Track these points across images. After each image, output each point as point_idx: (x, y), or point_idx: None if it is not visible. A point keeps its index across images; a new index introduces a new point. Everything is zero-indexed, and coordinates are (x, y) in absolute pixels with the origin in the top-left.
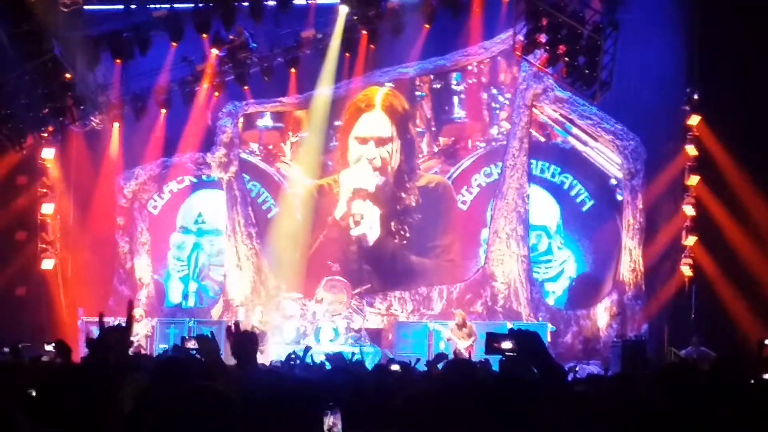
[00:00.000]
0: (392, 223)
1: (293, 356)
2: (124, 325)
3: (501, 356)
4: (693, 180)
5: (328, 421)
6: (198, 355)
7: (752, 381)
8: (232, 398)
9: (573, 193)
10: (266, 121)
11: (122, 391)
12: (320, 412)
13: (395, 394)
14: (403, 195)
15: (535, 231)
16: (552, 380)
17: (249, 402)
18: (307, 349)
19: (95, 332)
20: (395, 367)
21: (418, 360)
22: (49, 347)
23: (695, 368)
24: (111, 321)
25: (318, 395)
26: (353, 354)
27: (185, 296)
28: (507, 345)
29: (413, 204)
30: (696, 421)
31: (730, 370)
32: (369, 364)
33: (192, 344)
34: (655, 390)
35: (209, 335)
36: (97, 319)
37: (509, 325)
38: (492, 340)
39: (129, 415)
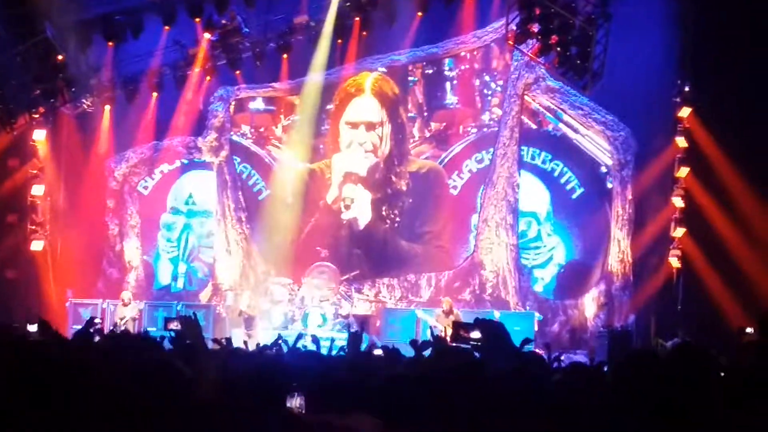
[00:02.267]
0: (383, 208)
1: (280, 340)
2: (190, 316)
3: (467, 345)
4: (683, 172)
5: (293, 402)
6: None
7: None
8: (195, 380)
9: (563, 180)
10: (258, 104)
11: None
12: (284, 393)
13: (371, 378)
14: (394, 179)
15: (525, 217)
16: (527, 370)
17: (219, 382)
18: (300, 336)
19: (84, 314)
20: (378, 352)
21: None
22: (32, 327)
23: (658, 354)
24: (99, 303)
25: (283, 377)
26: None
27: (174, 277)
28: (475, 335)
29: (404, 189)
30: (660, 407)
31: (693, 354)
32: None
33: (174, 325)
34: (619, 377)
35: (192, 316)
36: (86, 301)
37: (496, 314)
38: (458, 330)
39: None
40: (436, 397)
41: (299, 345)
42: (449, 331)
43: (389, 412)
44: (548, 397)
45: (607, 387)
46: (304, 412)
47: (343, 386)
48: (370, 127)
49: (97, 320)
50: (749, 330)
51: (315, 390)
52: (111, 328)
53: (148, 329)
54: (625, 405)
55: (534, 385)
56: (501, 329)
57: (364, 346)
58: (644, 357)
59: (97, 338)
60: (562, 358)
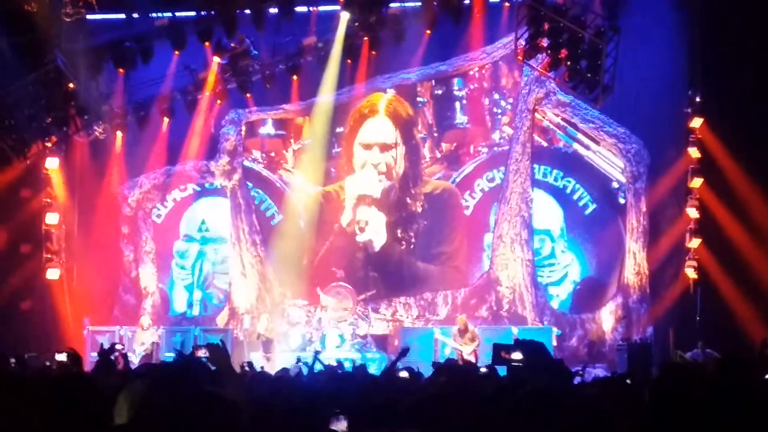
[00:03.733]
0: (398, 230)
1: (301, 362)
2: (221, 345)
3: (507, 366)
4: (696, 182)
5: (338, 426)
6: (208, 363)
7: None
8: (239, 405)
9: (575, 197)
10: (268, 129)
11: (120, 398)
12: (327, 418)
13: (403, 399)
14: (409, 201)
15: (539, 235)
16: (558, 382)
17: (258, 409)
18: (317, 353)
19: (102, 342)
20: (404, 374)
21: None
22: (60, 356)
23: (697, 369)
24: (116, 330)
25: (325, 402)
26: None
27: (190, 305)
28: (516, 356)
29: (419, 210)
30: (699, 422)
31: (734, 370)
32: (376, 371)
33: (203, 353)
34: (657, 391)
35: (219, 343)
36: (103, 328)
37: (514, 330)
38: (500, 351)
39: (129, 421)
40: (472, 415)
41: (318, 364)
42: (466, 350)
43: (431, 429)
44: (583, 411)
45: (640, 400)
46: None
47: (383, 407)
48: (384, 148)
49: (118, 346)
50: None
51: (357, 412)
52: (129, 353)
53: (166, 354)
54: (665, 419)
55: (567, 398)
56: (541, 348)
57: (382, 367)
58: (685, 370)
59: (120, 364)
60: (582, 373)
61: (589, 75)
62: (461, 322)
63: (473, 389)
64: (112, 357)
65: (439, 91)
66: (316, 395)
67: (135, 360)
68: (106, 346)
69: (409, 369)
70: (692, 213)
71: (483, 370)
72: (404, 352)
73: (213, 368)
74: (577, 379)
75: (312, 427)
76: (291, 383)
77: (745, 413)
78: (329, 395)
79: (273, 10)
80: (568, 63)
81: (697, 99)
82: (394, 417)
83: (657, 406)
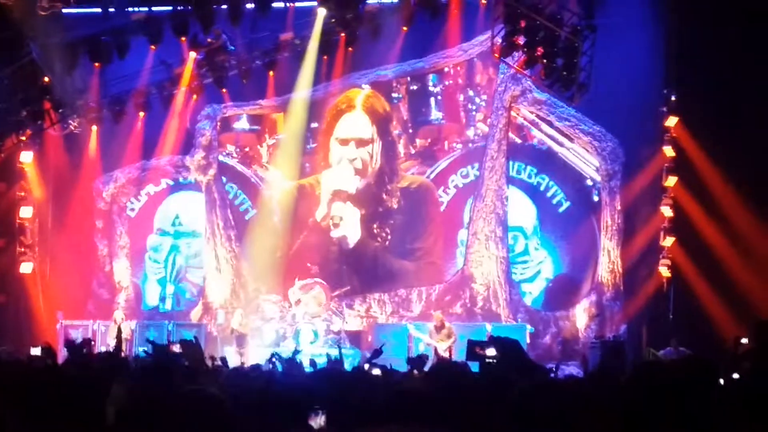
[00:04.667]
0: (374, 226)
1: (275, 357)
2: (194, 341)
3: (480, 362)
4: (671, 181)
5: (316, 421)
6: (182, 359)
7: (722, 381)
8: (223, 400)
9: (549, 194)
10: (243, 124)
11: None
12: (306, 414)
13: (378, 394)
14: (385, 197)
15: (512, 232)
16: (535, 378)
17: (238, 404)
18: (296, 351)
19: (75, 336)
20: (376, 371)
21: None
22: (35, 351)
23: (667, 367)
24: (90, 324)
25: (302, 398)
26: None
27: (162, 299)
28: (490, 352)
29: (395, 206)
30: (670, 419)
31: (702, 367)
32: (349, 367)
33: (176, 348)
34: (629, 388)
35: (192, 340)
36: (76, 322)
37: (488, 327)
38: (474, 347)
39: (117, 420)
40: (450, 409)
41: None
42: (442, 346)
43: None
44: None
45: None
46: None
47: (360, 402)
48: (361, 143)
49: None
50: (744, 340)
51: (335, 407)
52: (103, 347)
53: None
54: (638, 415)
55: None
56: (516, 346)
57: (355, 363)
58: (654, 368)
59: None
60: (555, 370)
61: (564, 73)
62: (437, 319)
63: (454, 385)
64: (85, 351)
65: (414, 87)
66: (293, 391)
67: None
68: (79, 341)
69: (383, 368)
70: (666, 211)
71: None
72: (377, 352)
73: (186, 364)
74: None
75: (291, 423)
76: (268, 379)
77: (707, 413)
78: (306, 391)
79: (249, 6)
80: (544, 61)
81: (673, 98)
82: (370, 412)
83: (629, 404)
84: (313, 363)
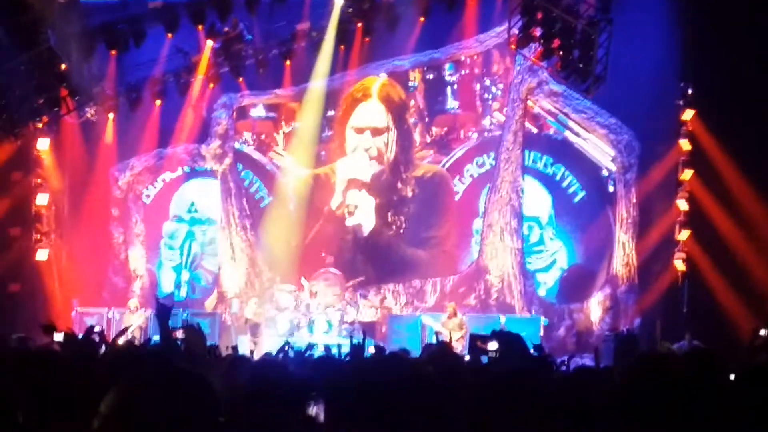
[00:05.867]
0: (389, 214)
1: (286, 347)
2: (195, 325)
3: (485, 356)
4: (687, 174)
5: (312, 411)
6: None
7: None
8: (210, 381)
9: (565, 184)
10: (259, 111)
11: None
12: (304, 401)
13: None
14: (400, 185)
15: (527, 222)
16: (539, 370)
17: (232, 390)
18: (310, 345)
19: (89, 323)
20: (371, 349)
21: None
22: (58, 337)
23: (671, 358)
24: (104, 311)
25: (300, 386)
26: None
27: (177, 286)
28: (492, 346)
29: (409, 195)
30: (674, 411)
31: (708, 359)
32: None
33: (180, 334)
34: (631, 380)
35: (196, 326)
36: (91, 309)
37: (502, 319)
38: (476, 341)
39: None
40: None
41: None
42: (454, 335)
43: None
44: (551, 399)
45: (615, 390)
46: (323, 420)
47: (360, 393)
48: (376, 132)
49: (96, 328)
50: (763, 332)
51: (333, 398)
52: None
53: (153, 337)
54: (632, 408)
55: (537, 386)
56: (518, 340)
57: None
58: (653, 361)
59: (102, 348)
60: (566, 363)
61: (581, 65)
62: (451, 308)
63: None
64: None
65: (431, 76)
66: (288, 379)
67: (121, 343)
68: (96, 329)
69: (377, 346)
70: (682, 205)
71: (467, 358)
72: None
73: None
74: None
75: (287, 412)
76: (271, 368)
77: (711, 407)
78: (302, 380)
79: None
80: (561, 53)
81: (689, 91)
82: (368, 401)
83: (628, 396)
84: (327, 350)
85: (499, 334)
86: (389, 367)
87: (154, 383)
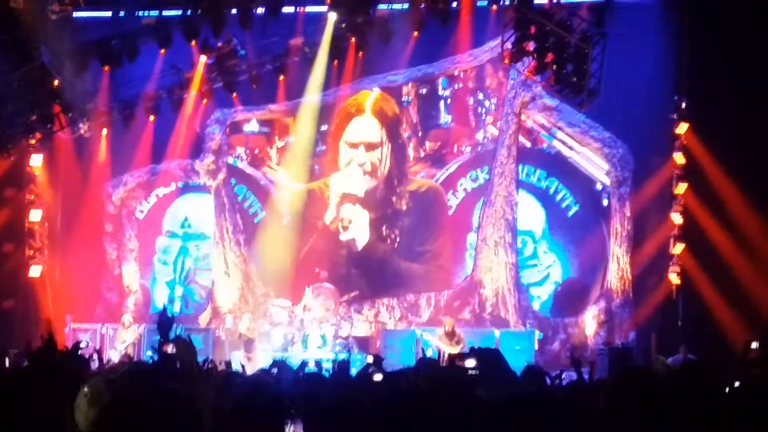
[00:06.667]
0: (383, 228)
1: (279, 362)
2: (185, 338)
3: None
4: (681, 188)
5: (289, 429)
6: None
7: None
8: (198, 402)
9: (559, 198)
10: (253, 126)
11: (77, 396)
12: (283, 419)
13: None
14: (394, 199)
15: (521, 236)
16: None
17: (216, 406)
18: (304, 363)
19: (83, 339)
20: (378, 377)
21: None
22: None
23: (653, 374)
24: (98, 327)
25: (281, 403)
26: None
27: (171, 301)
28: (469, 363)
29: (403, 208)
30: (660, 424)
31: (702, 373)
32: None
33: (170, 348)
34: (612, 396)
35: (187, 339)
36: (85, 325)
37: (497, 333)
38: (454, 359)
39: (95, 419)
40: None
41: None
42: (451, 350)
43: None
44: (543, 413)
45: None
46: None
47: (339, 410)
48: (370, 147)
49: (82, 344)
50: (755, 345)
51: (312, 415)
52: (111, 350)
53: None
54: (620, 422)
55: (529, 400)
56: (496, 356)
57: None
58: (641, 375)
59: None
60: (563, 376)
61: (574, 79)
62: (449, 324)
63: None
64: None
65: (424, 90)
66: (273, 396)
67: (115, 358)
68: (90, 345)
69: (375, 357)
70: (676, 219)
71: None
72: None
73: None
74: (557, 382)
75: (265, 429)
76: (255, 385)
77: (706, 420)
78: (287, 396)
79: (260, 10)
80: (554, 67)
81: (683, 105)
82: (347, 417)
83: (611, 411)
84: (318, 365)
85: (477, 351)
86: (369, 386)
87: (135, 403)
